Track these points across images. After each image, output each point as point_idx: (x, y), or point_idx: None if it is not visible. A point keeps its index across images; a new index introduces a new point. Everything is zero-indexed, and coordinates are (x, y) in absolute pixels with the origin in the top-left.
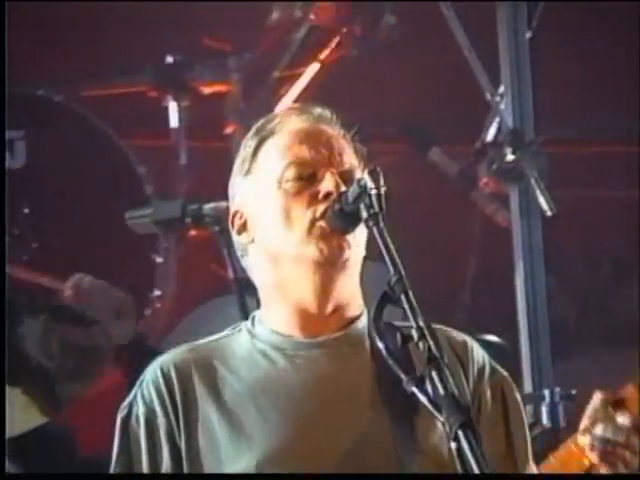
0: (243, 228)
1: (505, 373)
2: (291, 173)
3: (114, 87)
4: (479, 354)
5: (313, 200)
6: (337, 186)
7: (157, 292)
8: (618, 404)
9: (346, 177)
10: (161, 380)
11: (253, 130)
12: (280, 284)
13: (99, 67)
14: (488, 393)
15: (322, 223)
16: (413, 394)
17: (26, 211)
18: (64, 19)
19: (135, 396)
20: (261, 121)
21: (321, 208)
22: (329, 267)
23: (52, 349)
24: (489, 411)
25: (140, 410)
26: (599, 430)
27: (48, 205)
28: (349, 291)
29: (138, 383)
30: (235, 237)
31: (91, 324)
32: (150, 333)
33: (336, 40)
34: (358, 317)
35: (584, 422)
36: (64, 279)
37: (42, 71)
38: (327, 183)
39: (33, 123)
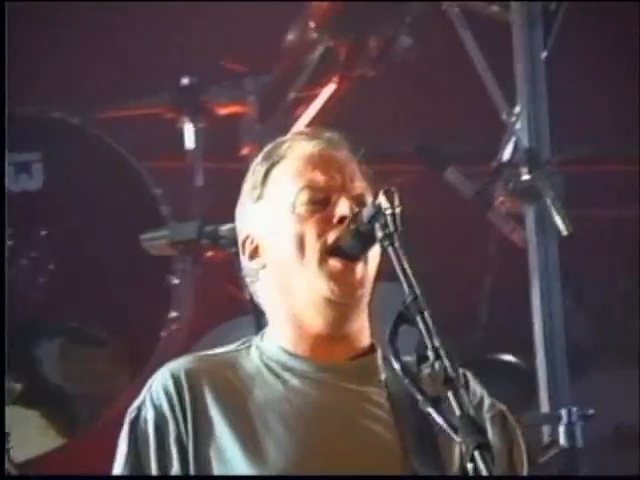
0: (255, 253)
1: (504, 406)
2: (305, 197)
3: (130, 109)
4: (476, 388)
5: (327, 224)
6: (351, 209)
7: (173, 314)
8: None
9: (358, 201)
10: (171, 384)
11: (262, 155)
12: (291, 311)
13: (115, 89)
14: (488, 425)
15: (335, 261)
16: (429, 414)
17: (43, 233)
18: (81, 41)
19: (144, 399)
20: (269, 146)
21: (334, 233)
22: (342, 306)
23: (70, 372)
24: (490, 444)
25: (149, 413)
26: None
27: (65, 227)
28: (359, 323)
29: (147, 387)
30: (246, 262)
31: (106, 345)
32: (166, 355)
33: (351, 61)
34: (366, 347)
35: None
36: (80, 301)
37: (59, 93)
38: (342, 207)
39: (50, 145)
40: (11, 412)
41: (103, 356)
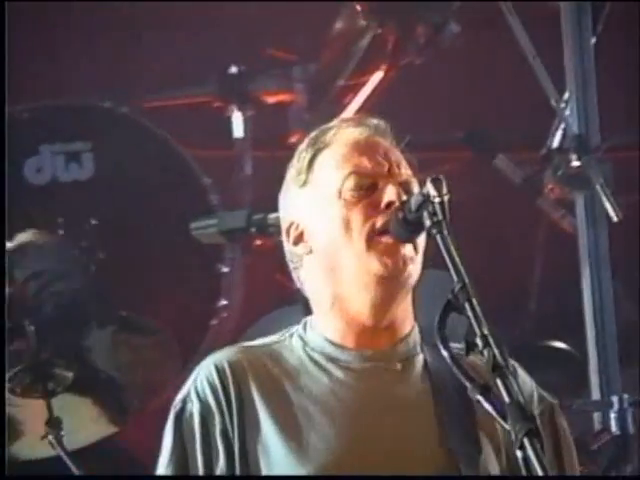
0: (300, 239)
1: (552, 400)
2: (352, 183)
3: (178, 98)
4: (526, 380)
5: (374, 210)
6: (399, 196)
7: (223, 302)
8: None
9: (405, 188)
10: (216, 377)
11: (307, 142)
12: (337, 296)
13: (164, 79)
14: (537, 419)
15: (386, 238)
16: (478, 402)
17: (93, 222)
18: (131, 32)
19: (189, 392)
20: (315, 132)
21: (382, 218)
22: (392, 282)
23: (121, 360)
24: (540, 431)
25: (194, 406)
26: None
27: (115, 216)
28: (404, 307)
29: (191, 379)
30: (291, 248)
31: (157, 334)
32: (216, 343)
33: (399, 49)
34: (409, 333)
35: None
36: (130, 290)
37: (109, 83)
38: (389, 193)
39: (100, 135)
40: (63, 400)
41: (153, 345)
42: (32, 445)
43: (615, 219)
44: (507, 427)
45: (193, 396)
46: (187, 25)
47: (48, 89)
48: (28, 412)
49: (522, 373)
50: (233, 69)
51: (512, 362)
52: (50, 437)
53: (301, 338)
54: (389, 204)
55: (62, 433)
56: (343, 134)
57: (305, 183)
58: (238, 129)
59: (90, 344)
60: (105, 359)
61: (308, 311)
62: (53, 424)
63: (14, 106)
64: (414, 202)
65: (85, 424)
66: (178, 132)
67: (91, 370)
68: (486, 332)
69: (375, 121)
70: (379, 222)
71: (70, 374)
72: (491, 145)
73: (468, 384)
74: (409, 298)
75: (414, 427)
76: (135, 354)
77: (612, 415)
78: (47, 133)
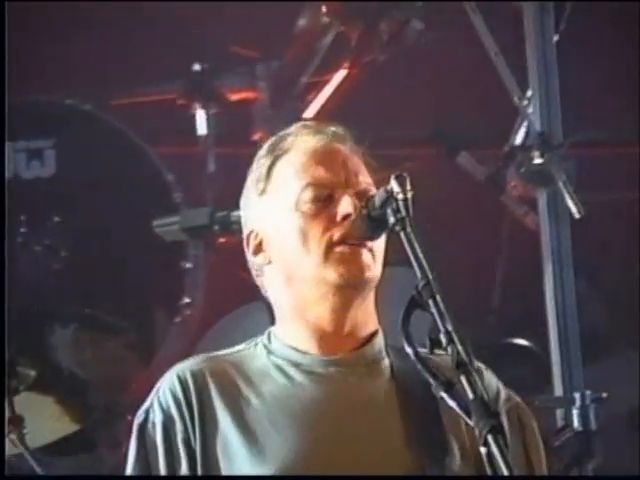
0: (259, 249)
1: (519, 399)
2: (308, 195)
3: (142, 95)
4: (492, 380)
5: (331, 222)
6: (355, 207)
7: (186, 299)
8: None
9: (362, 196)
10: (178, 387)
11: (266, 148)
12: (297, 305)
13: (128, 76)
14: (504, 418)
15: (342, 247)
16: (442, 398)
17: (56, 220)
18: (93, 28)
19: (152, 403)
20: (273, 139)
21: (339, 230)
22: (349, 289)
23: (84, 358)
24: (508, 437)
25: (157, 417)
26: None
27: (78, 214)
28: (365, 311)
29: (155, 390)
30: (251, 257)
31: (120, 332)
32: (180, 341)
33: (363, 46)
34: (373, 336)
35: None
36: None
37: (71, 80)
38: (344, 205)
39: (62, 132)
40: (26, 398)
41: (117, 342)
42: None
43: (577, 216)
44: (471, 423)
45: (156, 407)
46: (152, 23)
47: (12, 87)
48: None
49: (488, 374)
50: (197, 67)
51: (478, 364)
52: (12, 435)
53: (265, 347)
54: (345, 216)
55: (25, 431)
56: (301, 141)
57: (264, 192)
58: (202, 126)
59: (53, 342)
60: (68, 357)
61: (271, 309)
62: (15, 422)
63: None
64: (378, 199)
65: (48, 422)
66: (142, 129)
67: (54, 368)
68: (450, 329)
69: (334, 128)
70: (336, 235)
71: (33, 372)
72: (456, 142)
73: (432, 381)
74: (370, 302)
75: (378, 428)
76: (99, 352)
77: (574, 412)
78: (9, 130)
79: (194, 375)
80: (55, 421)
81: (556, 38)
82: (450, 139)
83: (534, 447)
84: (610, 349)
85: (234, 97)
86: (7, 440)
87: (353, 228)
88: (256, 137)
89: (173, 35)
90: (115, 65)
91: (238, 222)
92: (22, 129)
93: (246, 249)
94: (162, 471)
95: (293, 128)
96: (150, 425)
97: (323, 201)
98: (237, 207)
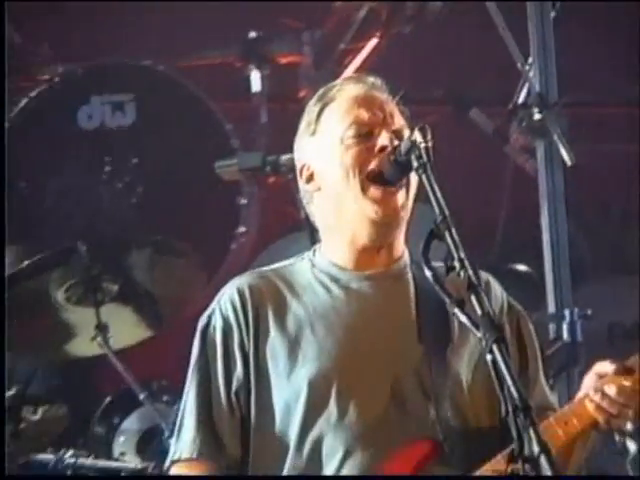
0: (310, 178)
1: (520, 307)
2: (352, 132)
3: (207, 59)
4: (498, 291)
5: (370, 153)
6: (391, 141)
7: (242, 229)
8: (626, 371)
9: (397, 134)
10: (237, 298)
11: (315, 97)
12: (340, 226)
13: (194, 41)
14: (506, 325)
15: (376, 188)
16: (454, 314)
17: (134, 161)
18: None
19: (214, 310)
20: (322, 89)
21: (376, 160)
22: (384, 226)
23: (156, 277)
24: (508, 339)
25: (218, 322)
26: (608, 390)
27: (153, 156)
28: (397, 237)
29: (216, 299)
30: (303, 186)
31: (186, 256)
32: (235, 264)
33: (391, 20)
34: (401, 256)
35: (596, 383)
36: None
37: (149, 44)
38: (382, 139)
39: (140, 88)
40: (110, 309)
41: (183, 264)
42: (84, 345)
43: (569, 163)
44: (479, 335)
45: (217, 313)
46: None
47: (97, 49)
48: (81, 318)
49: (495, 285)
50: (252, 34)
51: (487, 275)
52: (98, 339)
53: (310, 261)
54: (382, 148)
55: (109, 335)
56: (345, 90)
57: (314, 132)
58: (256, 85)
59: (131, 263)
60: (144, 275)
61: (313, 237)
62: (101, 328)
63: (69, 63)
64: (404, 147)
65: (128, 328)
66: (206, 87)
67: (132, 284)
68: (462, 256)
69: (372, 79)
70: (373, 164)
71: (115, 287)
72: (467, 101)
73: (447, 299)
74: (402, 230)
75: (399, 330)
76: (168, 272)
77: (564, 326)
78: (97, 86)
79: (250, 288)
80: (133, 327)
81: (553, 14)
82: (460, 98)
83: (530, 346)
84: (593, 274)
85: (283, 60)
86: (94, 343)
87: (384, 167)
88: (301, 95)
89: (233, 6)
90: (183, 32)
91: (286, 165)
92: (108, 85)
93: (299, 179)
94: (219, 369)
95: (338, 80)
96: (211, 329)
97: (364, 136)
98: (285, 152)
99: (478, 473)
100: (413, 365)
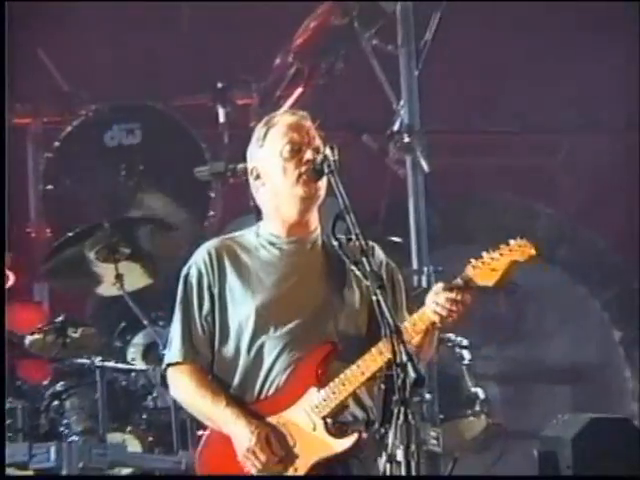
0: (258, 177)
1: (394, 265)
2: (288, 148)
3: (189, 100)
4: (380, 254)
5: (299, 163)
6: (312, 155)
7: (212, 212)
8: (451, 288)
9: (317, 150)
10: (206, 256)
11: (262, 122)
12: (276, 208)
13: (181, 88)
14: (384, 276)
15: (305, 177)
16: (351, 270)
17: (141, 168)
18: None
19: (191, 264)
20: (267, 118)
21: (304, 168)
22: (309, 201)
23: (156, 242)
24: (386, 286)
25: (193, 271)
26: (439, 299)
27: (153, 165)
28: (314, 215)
29: (193, 256)
30: (252, 182)
31: (176, 230)
32: (208, 234)
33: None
34: (316, 228)
35: (433, 296)
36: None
37: (152, 90)
38: (307, 154)
39: (145, 119)
40: (124, 264)
41: (173, 236)
42: (107, 288)
43: (427, 170)
44: (367, 283)
45: (194, 266)
46: (188, 52)
47: (118, 92)
48: (105, 271)
49: (378, 251)
50: (219, 84)
51: (373, 244)
52: (117, 284)
53: (256, 232)
54: (307, 161)
55: (123, 282)
56: (283, 119)
57: (262, 146)
58: (221, 117)
59: (139, 234)
60: (147, 242)
61: (257, 217)
62: (118, 277)
63: (99, 103)
64: (319, 160)
65: (136, 278)
66: (189, 119)
67: (139, 249)
68: (357, 232)
69: (300, 112)
70: (303, 169)
71: (128, 250)
72: (361, 128)
73: (346, 259)
74: (317, 210)
75: (314, 277)
76: (163, 240)
77: (423, 278)
78: (117, 117)
79: (216, 249)
80: (140, 277)
81: (417, 72)
82: (358, 126)
83: (399, 291)
84: (444, 243)
85: (240, 102)
86: (114, 287)
87: (308, 172)
88: (252, 124)
89: (207, 63)
90: (174, 81)
91: (241, 170)
92: (124, 117)
93: (250, 177)
94: (195, 302)
95: (278, 113)
96: (190, 276)
97: (295, 152)
98: (240, 162)
99: (360, 362)
100: (322, 298)
